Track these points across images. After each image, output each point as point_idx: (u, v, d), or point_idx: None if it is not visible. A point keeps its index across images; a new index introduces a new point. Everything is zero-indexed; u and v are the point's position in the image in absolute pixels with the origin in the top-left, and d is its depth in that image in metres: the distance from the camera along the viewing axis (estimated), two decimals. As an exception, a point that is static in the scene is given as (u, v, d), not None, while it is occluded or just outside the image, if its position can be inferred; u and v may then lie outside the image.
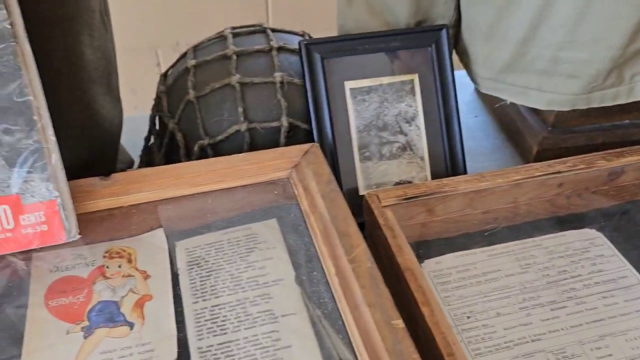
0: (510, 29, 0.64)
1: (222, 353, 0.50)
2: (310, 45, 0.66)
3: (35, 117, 0.50)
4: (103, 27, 0.61)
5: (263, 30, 0.72)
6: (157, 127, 0.71)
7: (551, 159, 0.66)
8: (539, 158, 0.77)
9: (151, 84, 0.74)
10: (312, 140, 0.67)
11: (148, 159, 0.72)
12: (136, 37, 1.38)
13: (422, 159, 0.69)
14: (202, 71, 0.67)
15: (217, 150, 0.65)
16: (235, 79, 0.65)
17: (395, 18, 0.70)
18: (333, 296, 0.52)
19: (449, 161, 0.69)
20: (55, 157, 0.51)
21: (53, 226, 0.53)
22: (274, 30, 0.73)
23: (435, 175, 0.69)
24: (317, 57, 0.66)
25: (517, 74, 0.67)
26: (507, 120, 0.84)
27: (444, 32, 0.68)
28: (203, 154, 0.66)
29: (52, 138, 0.51)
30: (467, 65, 0.73)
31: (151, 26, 1.37)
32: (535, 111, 0.77)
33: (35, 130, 0.50)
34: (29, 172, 0.51)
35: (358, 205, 0.65)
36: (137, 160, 0.76)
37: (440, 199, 0.63)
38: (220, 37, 0.71)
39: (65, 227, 0.53)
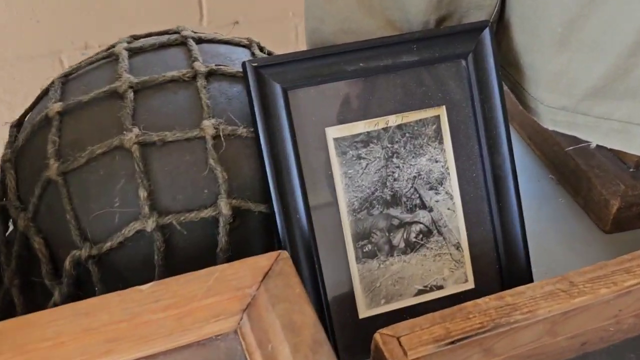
0: (611, 29, 0.37)
1: None
2: (264, 68, 0.38)
3: None
4: None
5: (182, 41, 0.43)
6: (2, 224, 0.41)
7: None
8: (619, 219, 0.51)
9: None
10: (270, 234, 0.39)
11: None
12: (33, 40, 1.05)
13: (457, 247, 0.42)
14: (74, 122, 0.38)
15: (106, 265, 0.37)
16: (131, 137, 0.36)
17: (404, 14, 0.42)
18: None
19: (501, 248, 0.42)
20: None
21: None
22: (200, 40, 0.44)
23: (480, 273, 0.42)
24: (276, 88, 0.38)
25: (615, 102, 0.40)
26: (559, 157, 0.57)
27: (486, 32, 0.41)
28: (81, 274, 0.37)
29: None
30: (516, 84, 0.45)
31: (52, 26, 1.04)
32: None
33: None
34: None
35: (360, 339, 0.38)
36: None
37: (505, 333, 0.36)
38: (109, 57, 0.42)
39: None
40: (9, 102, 1.13)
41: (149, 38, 0.46)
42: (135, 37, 0.47)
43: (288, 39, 1.21)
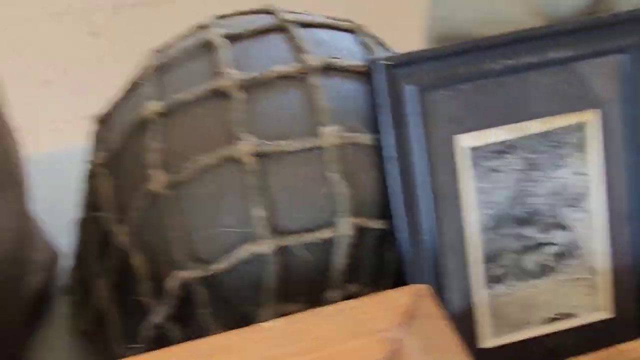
0: None
1: None
2: (397, 67, 0.33)
3: None
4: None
5: (281, 26, 0.38)
6: (95, 234, 0.37)
7: None
8: None
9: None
10: (382, 253, 0.35)
11: (85, 286, 0.39)
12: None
13: (595, 271, 0.37)
14: (176, 126, 0.34)
15: (213, 287, 0.33)
16: (245, 146, 0.31)
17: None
18: None
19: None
20: None
21: None
22: (300, 24, 0.39)
23: (621, 301, 0.37)
24: (410, 91, 0.33)
25: None
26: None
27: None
28: (187, 296, 0.33)
29: None
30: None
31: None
32: None
33: None
34: None
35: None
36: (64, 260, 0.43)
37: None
38: (203, 45, 0.37)
39: None
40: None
41: (241, 20, 0.41)
42: (222, 17, 0.42)
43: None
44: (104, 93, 0.43)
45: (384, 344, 0.28)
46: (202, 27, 0.41)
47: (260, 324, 0.29)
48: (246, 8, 0.43)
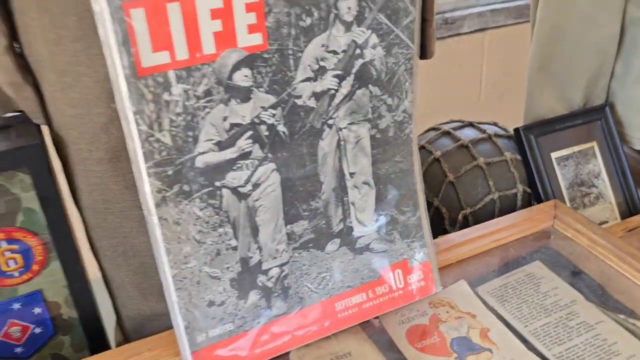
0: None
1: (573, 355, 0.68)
2: (526, 130, 0.89)
3: (419, 200, 0.68)
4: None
5: (470, 124, 0.94)
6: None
7: None
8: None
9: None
10: (533, 201, 0.88)
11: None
12: None
13: (611, 203, 0.91)
14: (448, 159, 0.88)
15: (476, 217, 0.85)
16: (481, 160, 0.86)
17: (571, 103, 0.94)
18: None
19: (630, 204, 0.92)
20: (427, 227, 0.69)
21: (427, 281, 0.70)
22: (478, 123, 0.95)
23: (622, 216, 0.91)
24: (531, 138, 0.89)
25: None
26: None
27: (607, 109, 0.93)
28: (465, 221, 0.85)
29: (425, 213, 0.69)
30: (621, 131, 0.97)
31: None
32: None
33: (417, 209, 0.68)
34: (412, 241, 0.69)
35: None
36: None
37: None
38: (442, 132, 0.93)
39: (435, 281, 0.70)
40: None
41: (453, 122, 0.98)
42: (444, 123, 0.98)
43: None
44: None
45: (542, 230, 0.81)
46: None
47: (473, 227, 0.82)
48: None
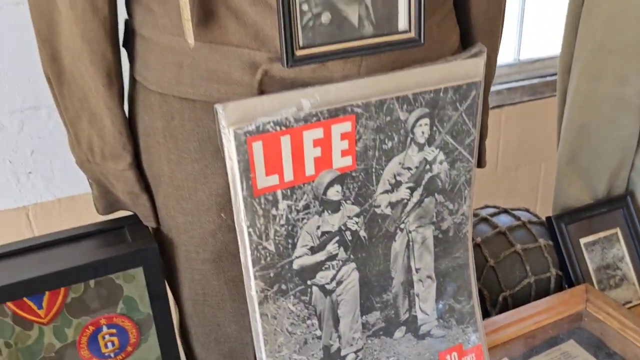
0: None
1: None
2: (557, 219, 0.98)
3: (472, 290, 0.76)
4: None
5: (505, 210, 1.03)
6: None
7: None
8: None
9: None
10: (564, 284, 0.96)
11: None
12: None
13: (634, 284, 1.00)
14: (488, 245, 0.97)
15: (514, 298, 0.93)
16: (519, 247, 0.95)
17: (596, 192, 1.04)
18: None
19: (652, 285, 1.00)
20: (479, 313, 0.77)
21: (480, 363, 0.78)
22: (512, 209, 1.04)
23: (645, 296, 1.00)
24: (562, 226, 0.98)
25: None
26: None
27: (628, 198, 1.03)
28: (504, 302, 0.93)
29: (477, 301, 0.77)
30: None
31: None
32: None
33: (471, 298, 0.77)
34: (466, 327, 0.77)
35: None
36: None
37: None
38: (480, 218, 1.02)
39: (486, 364, 0.78)
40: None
41: (490, 208, 1.07)
42: (481, 208, 1.07)
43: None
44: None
45: (576, 314, 0.90)
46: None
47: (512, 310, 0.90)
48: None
